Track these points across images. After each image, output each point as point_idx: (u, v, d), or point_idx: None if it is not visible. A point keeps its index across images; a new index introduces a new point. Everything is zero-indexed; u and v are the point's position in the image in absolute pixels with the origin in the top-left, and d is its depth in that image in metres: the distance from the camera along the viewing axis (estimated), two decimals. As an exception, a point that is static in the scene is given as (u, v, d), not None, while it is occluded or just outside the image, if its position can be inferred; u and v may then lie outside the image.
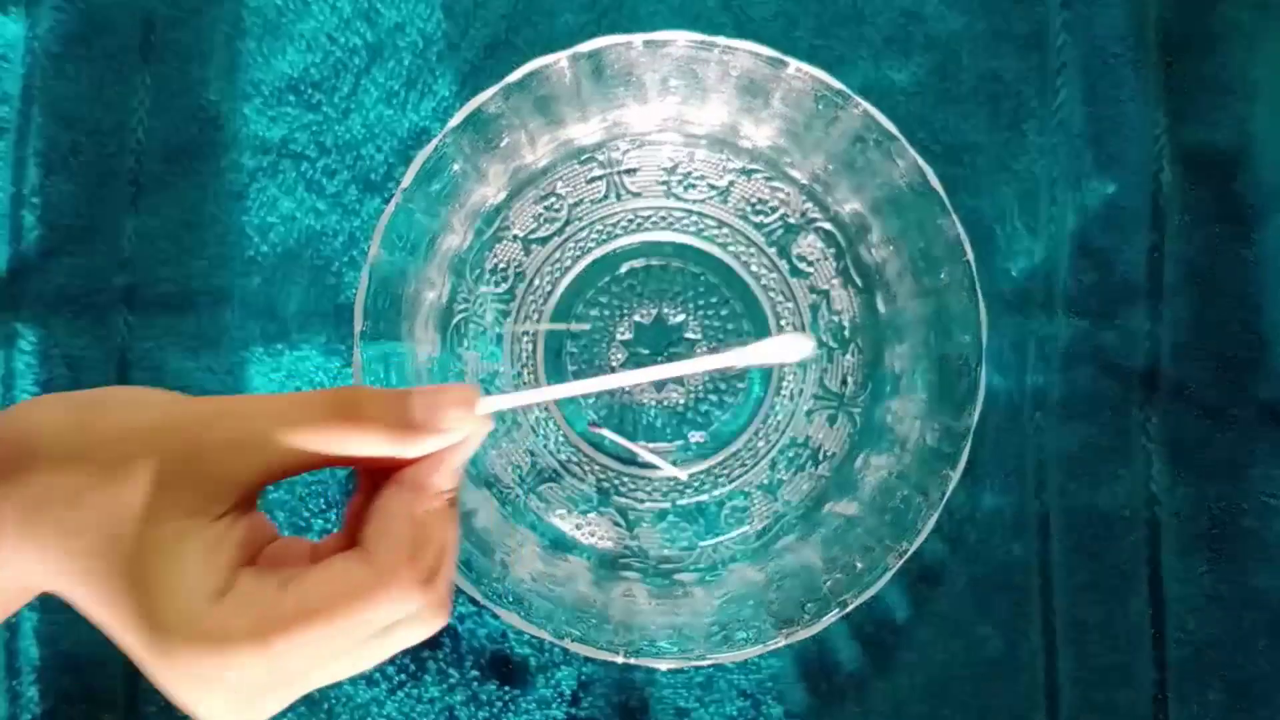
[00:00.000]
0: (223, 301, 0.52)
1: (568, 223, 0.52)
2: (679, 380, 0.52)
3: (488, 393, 0.51)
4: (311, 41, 0.52)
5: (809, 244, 0.52)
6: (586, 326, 0.52)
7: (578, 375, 0.52)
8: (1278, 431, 0.52)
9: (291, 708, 0.51)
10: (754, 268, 0.52)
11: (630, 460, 0.52)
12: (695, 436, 0.51)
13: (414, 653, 0.51)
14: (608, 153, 0.51)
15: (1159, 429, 0.52)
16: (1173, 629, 0.51)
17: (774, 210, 0.52)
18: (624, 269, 0.52)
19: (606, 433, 0.50)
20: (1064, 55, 0.52)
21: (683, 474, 0.51)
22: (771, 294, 0.52)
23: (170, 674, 0.31)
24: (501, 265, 0.52)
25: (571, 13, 0.52)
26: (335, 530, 0.51)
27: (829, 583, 0.47)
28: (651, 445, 0.52)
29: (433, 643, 0.51)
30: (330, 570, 0.32)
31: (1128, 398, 0.52)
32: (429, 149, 0.46)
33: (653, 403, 0.52)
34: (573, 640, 0.46)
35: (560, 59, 0.46)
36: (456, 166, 0.48)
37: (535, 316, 0.52)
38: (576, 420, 0.52)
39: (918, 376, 0.49)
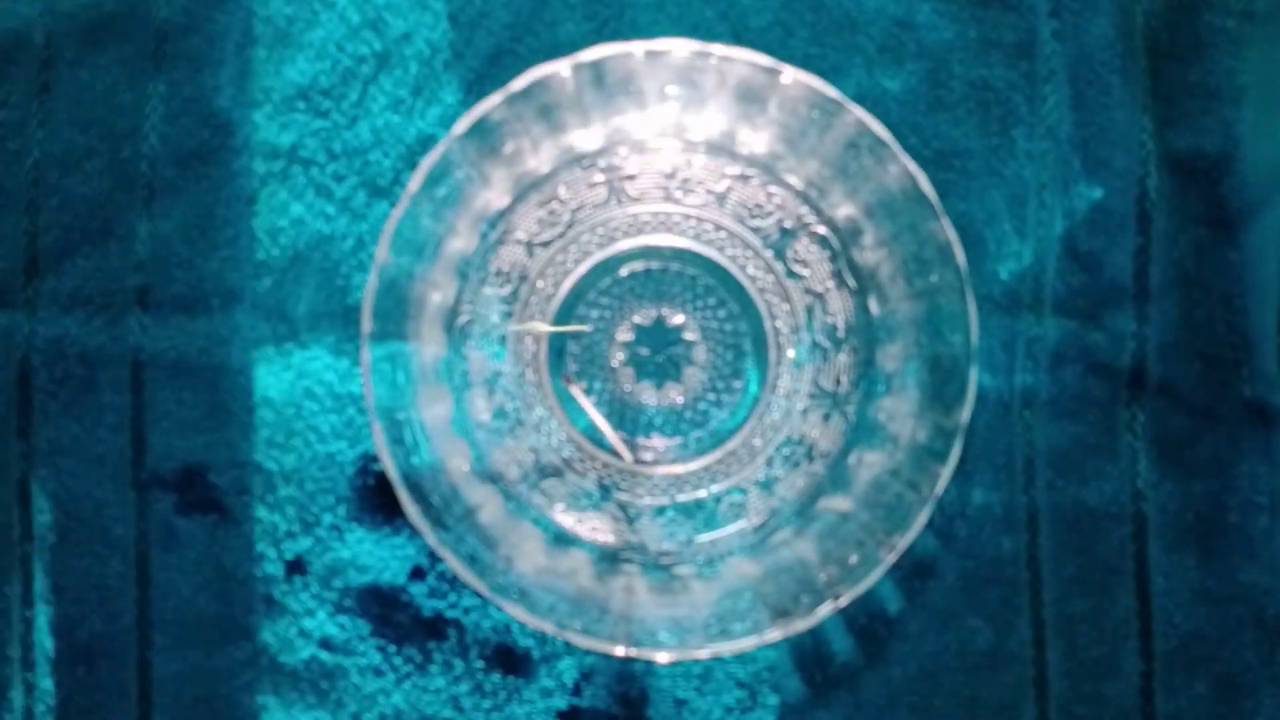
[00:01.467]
0: (234, 303, 0.52)
1: (570, 227, 0.52)
2: (677, 380, 0.52)
3: (490, 392, 0.52)
4: (321, 50, 0.53)
5: (804, 247, 0.52)
6: (588, 328, 0.52)
7: (579, 375, 0.52)
8: (1262, 430, 0.52)
9: (300, 697, 0.52)
10: (751, 271, 0.52)
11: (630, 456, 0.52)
12: (658, 441, 0.51)
13: (420, 645, 0.52)
14: (609, 159, 0.52)
15: (1146, 427, 0.52)
16: (1160, 622, 0.52)
17: (770, 215, 0.52)
18: (624, 272, 0.52)
19: (575, 390, 0.50)
20: (1052, 63, 0.53)
21: (628, 458, 0.51)
22: (768, 296, 0.52)
23: None
24: (505, 268, 0.52)
25: (573, 22, 0.53)
26: (342, 525, 0.52)
27: (823, 576, 0.48)
28: (650, 442, 0.52)
29: (439, 635, 0.52)
30: None
31: (1115, 397, 0.52)
32: (435, 155, 0.47)
33: (652, 402, 0.52)
34: (574, 632, 0.46)
35: (563, 67, 0.46)
36: (461, 172, 0.48)
37: (538, 318, 0.52)
38: (578, 418, 0.52)
39: (910, 376, 0.50)
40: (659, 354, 0.52)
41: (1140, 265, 0.52)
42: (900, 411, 0.50)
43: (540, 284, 0.52)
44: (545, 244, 0.52)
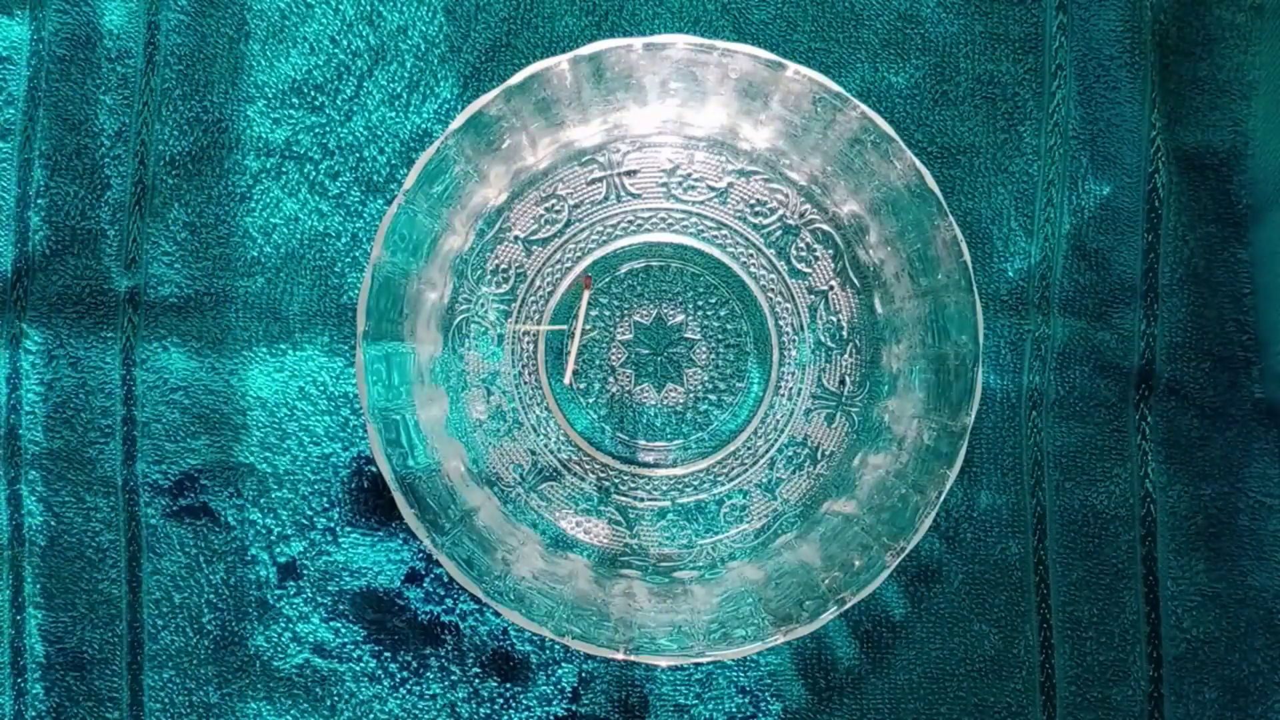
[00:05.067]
0: (226, 302, 0.52)
1: (568, 224, 0.52)
2: (679, 380, 0.52)
3: (488, 393, 0.52)
4: (315, 44, 0.52)
5: (807, 245, 0.52)
6: (588, 326, 0.52)
7: (578, 375, 0.52)
8: (1273, 431, 0.52)
9: (293, 704, 0.51)
10: (753, 268, 0.52)
11: (630, 459, 0.52)
12: (568, 370, 0.51)
13: (416, 650, 0.51)
14: (608, 155, 0.51)
15: (1155, 428, 0.52)
16: (1168, 627, 0.52)
17: (773, 212, 0.52)
18: (624, 270, 0.52)
19: (586, 293, 0.49)
20: (1060, 58, 0.52)
21: (567, 380, 0.50)
22: (770, 294, 0.52)
23: None
24: (503, 266, 0.52)
25: (572, 16, 0.52)
26: (337, 528, 0.52)
27: (827, 581, 0.47)
28: (650, 444, 0.52)
29: (435, 640, 0.51)
30: None
31: (1124, 397, 0.52)
32: (431, 151, 0.46)
33: (653, 402, 0.52)
34: (573, 637, 0.46)
35: (561, 62, 0.46)
36: (458, 168, 0.48)
37: (536, 317, 0.52)
38: (577, 419, 0.52)
39: (915, 376, 0.49)
40: (659, 353, 0.52)
41: (1149, 263, 0.52)
42: (905, 412, 0.50)
43: (538, 282, 0.52)
44: (543, 241, 0.52)
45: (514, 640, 0.52)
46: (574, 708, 0.51)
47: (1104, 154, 0.52)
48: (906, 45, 0.52)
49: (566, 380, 0.51)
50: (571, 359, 0.51)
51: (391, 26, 0.52)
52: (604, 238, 0.52)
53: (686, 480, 0.52)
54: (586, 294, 0.50)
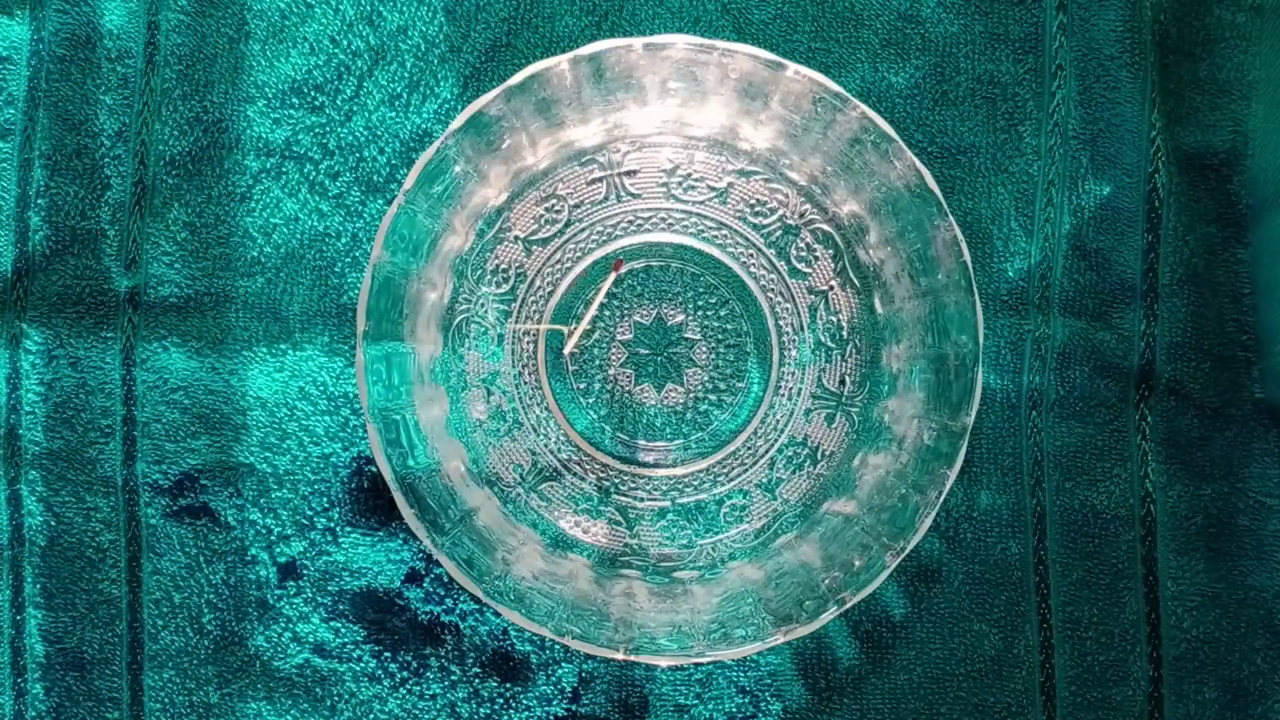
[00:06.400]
0: (226, 302, 0.52)
1: (568, 224, 0.52)
2: (679, 380, 0.52)
3: (488, 393, 0.52)
4: (315, 44, 0.52)
5: (807, 245, 0.52)
6: (589, 326, 0.52)
7: (578, 375, 0.52)
8: (1273, 431, 0.52)
9: (293, 704, 0.51)
10: (753, 268, 0.52)
11: (630, 459, 0.52)
12: (570, 341, 0.50)
13: (416, 650, 0.51)
14: (608, 155, 0.51)
15: (1155, 428, 0.52)
16: (1168, 627, 0.52)
17: (773, 212, 0.52)
18: (624, 270, 0.52)
19: (614, 274, 0.49)
20: (1060, 58, 0.52)
21: (568, 346, 0.50)
22: (770, 294, 0.52)
23: None
24: (503, 266, 0.52)
25: (572, 16, 0.52)
26: (337, 528, 0.52)
27: (827, 581, 0.47)
28: (650, 444, 0.52)
29: (435, 640, 0.51)
30: None
31: (1124, 397, 0.52)
32: (431, 151, 0.46)
33: (653, 402, 0.52)
34: (573, 637, 0.46)
35: (561, 62, 0.46)
36: (458, 168, 0.48)
37: (536, 317, 0.52)
38: (577, 419, 0.52)
39: (915, 376, 0.49)
40: (659, 353, 0.52)
41: (1149, 263, 0.52)
42: (905, 413, 0.50)
43: (538, 282, 0.52)
44: (543, 241, 0.52)
45: (514, 640, 0.51)
46: (574, 708, 0.51)
47: (1104, 154, 0.52)
48: (906, 45, 0.52)
49: (566, 350, 0.51)
50: (578, 331, 0.51)
51: (391, 26, 0.52)
52: (604, 238, 0.52)
53: (686, 480, 0.52)
54: (613, 276, 0.50)
